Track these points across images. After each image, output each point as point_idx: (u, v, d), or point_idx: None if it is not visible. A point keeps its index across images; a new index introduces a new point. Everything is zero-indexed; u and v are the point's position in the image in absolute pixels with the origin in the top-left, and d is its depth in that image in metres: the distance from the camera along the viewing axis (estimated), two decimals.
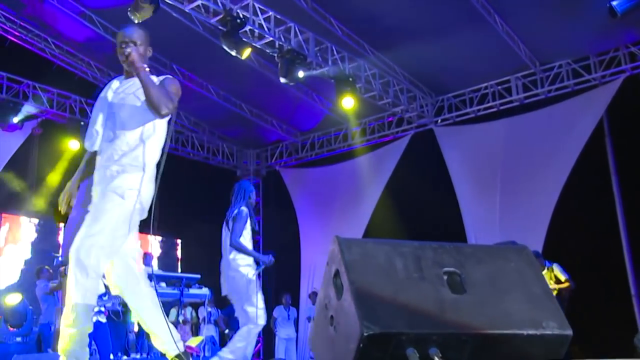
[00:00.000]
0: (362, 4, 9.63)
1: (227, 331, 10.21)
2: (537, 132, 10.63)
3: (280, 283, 12.82)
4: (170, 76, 3.56)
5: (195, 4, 8.54)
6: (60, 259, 9.30)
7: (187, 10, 8.71)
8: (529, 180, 10.45)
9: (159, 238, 13.02)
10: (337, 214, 12.75)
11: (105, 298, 7.77)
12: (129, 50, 3.30)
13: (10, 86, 10.84)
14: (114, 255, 3.23)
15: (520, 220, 10.14)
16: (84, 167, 3.53)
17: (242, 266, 5.37)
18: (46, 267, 9.12)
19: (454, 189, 11.34)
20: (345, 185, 12.86)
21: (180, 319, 10.23)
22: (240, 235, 5.37)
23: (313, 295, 11.00)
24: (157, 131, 3.37)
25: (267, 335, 11.47)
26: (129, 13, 7.54)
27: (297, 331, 11.36)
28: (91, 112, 3.56)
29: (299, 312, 11.88)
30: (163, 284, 8.70)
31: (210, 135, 13.71)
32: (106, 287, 7.74)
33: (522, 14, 9.54)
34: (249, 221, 5.46)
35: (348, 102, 10.12)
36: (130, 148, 3.27)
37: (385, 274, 2.21)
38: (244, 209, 5.47)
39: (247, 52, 8.79)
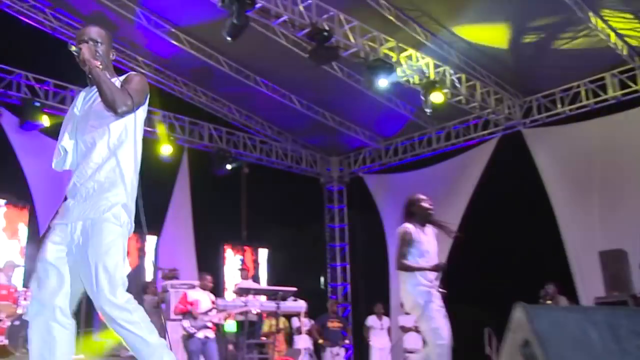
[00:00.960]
0: (446, 9, 9.46)
1: (320, 341, 10.22)
2: (636, 131, 10.09)
3: (370, 291, 12.79)
4: (134, 72, 3.19)
5: (282, 19, 8.60)
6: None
7: (273, 26, 8.78)
8: (630, 181, 9.94)
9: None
10: None
11: (212, 313, 7.94)
12: (80, 46, 2.95)
13: None
14: None
15: (623, 224, 9.65)
16: None
17: (411, 283, 5.00)
18: (150, 282, 9.50)
19: (547, 193, 10.91)
20: (430, 191, 12.39)
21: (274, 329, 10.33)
22: (405, 256, 5.00)
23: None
24: (129, 135, 3.00)
25: (361, 345, 11.43)
26: (224, 34, 7.64)
27: (390, 341, 11.23)
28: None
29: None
30: (262, 298, 8.87)
31: (294, 144, 13.81)
32: (213, 302, 7.91)
33: (616, 7, 9.11)
34: (413, 237, 5.04)
35: (437, 97, 9.89)
36: (103, 159, 2.92)
37: (582, 347, 2.08)
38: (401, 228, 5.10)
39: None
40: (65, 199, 2.97)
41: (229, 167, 12.06)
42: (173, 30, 10.69)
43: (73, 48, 2.92)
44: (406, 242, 4.99)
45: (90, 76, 2.93)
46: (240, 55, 11.17)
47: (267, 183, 13.11)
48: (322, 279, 14.04)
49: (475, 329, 10.30)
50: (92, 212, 2.83)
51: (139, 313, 2.74)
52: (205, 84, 12.23)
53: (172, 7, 10.37)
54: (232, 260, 12.62)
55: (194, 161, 12.32)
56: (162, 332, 2.87)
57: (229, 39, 7.67)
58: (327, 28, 8.67)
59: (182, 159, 12.23)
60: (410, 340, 10.32)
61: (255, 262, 13.20)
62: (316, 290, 13.59)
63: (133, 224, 2.91)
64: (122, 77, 3.06)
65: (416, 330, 10.44)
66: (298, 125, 13.32)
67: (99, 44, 3.07)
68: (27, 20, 10.46)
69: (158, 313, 9.41)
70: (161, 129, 11.73)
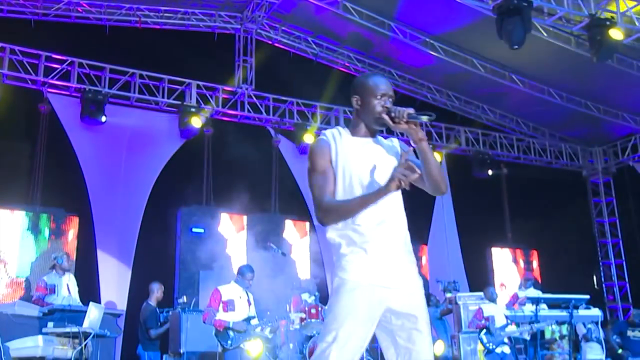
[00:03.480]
0: None
1: (620, 351, 9.54)
2: None
3: None
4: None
5: (557, 16, 8.15)
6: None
7: (548, 25, 8.36)
8: None
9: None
10: None
11: (508, 329, 7.82)
12: (409, 112, 2.61)
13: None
14: None
15: None
16: None
17: None
18: (432, 296, 9.62)
19: None
20: None
21: (557, 335, 9.87)
22: None
23: None
24: None
25: None
26: (510, 45, 7.42)
27: None
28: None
29: None
30: (544, 306, 8.49)
31: (552, 138, 13.12)
32: (507, 317, 7.78)
33: None
34: None
35: None
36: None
37: None
38: None
39: (618, 34, 8.02)
40: None
41: (490, 172, 11.85)
42: (428, 39, 10.73)
43: (425, 118, 2.62)
44: None
45: (419, 144, 2.63)
46: (495, 56, 10.89)
47: (528, 181, 12.63)
48: (595, 279, 13.13)
49: None
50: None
51: None
52: (458, 89, 12.13)
53: (426, 17, 10.41)
54: (500, 264, 12.33)
55: (452, 166, 12.25)
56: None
57: (515, 47, 7.41)
58: (607, 17, 8.01)
59: (442, 166, 12.23)
60: None
61: (527, 264, 12.75)
62: (590, 290, 12.74)
63: None
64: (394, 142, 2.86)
65: None
66: (555, 119, 12.63)
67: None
68: (293, 51, 11.25)
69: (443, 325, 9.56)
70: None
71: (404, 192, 2.78)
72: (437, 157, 2.70)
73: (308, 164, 2.76)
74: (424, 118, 2.59)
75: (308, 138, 10.87)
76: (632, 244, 12.87)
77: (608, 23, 7.93)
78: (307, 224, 11.02)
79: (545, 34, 9.68)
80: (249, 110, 10.83)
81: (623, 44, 8.75)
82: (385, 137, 2.87)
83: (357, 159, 2.71)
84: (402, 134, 2.71)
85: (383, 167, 2.71)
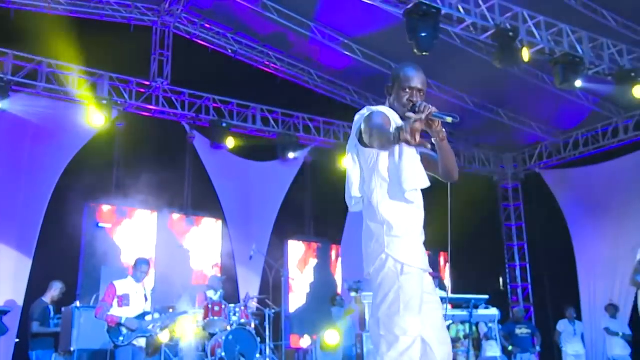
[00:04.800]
0: None
1: (510, 348, 9.91)
2: None
3: (557, 294, 12.20)
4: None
5: (465, 24, 8.41)
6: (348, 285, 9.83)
7: (456, 32, 8.62)
8: None
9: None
10: (616, 215, 11.73)
11: None
12: (432, 110, 2.57)
13: (284, 120, 11.70)
14: None
15: None
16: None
17: None
18: (338, 296, 9.74)
19: None
20: (621, 185, 11.78)
21: (461, 334, 10.18)
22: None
23: (611, 308, 10.22)
24: None
25: (549, 350, 10.94)
26: (417, 51, 7.58)
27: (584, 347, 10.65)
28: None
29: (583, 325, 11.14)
30: (449, 306, 8.77)
31: (465, 143, 13.52)
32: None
33: None
34: None
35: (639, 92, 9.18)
36: None
37: None
38: None
39: (526, 55, 8.38)
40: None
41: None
42: (346, 41, 10.85)
43: (449, 119, 2.60)
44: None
45: (440, 143, 2.77)
46: (411, 60, 11.07)
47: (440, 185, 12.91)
48: (501, 280, 13.62)
49: None
50: None
51: None
52: (377, 92, 12.30)
53: (345, 19, 10.52)
54: None
55: None
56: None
57: (424, 53, 7.59)
58: (511, 28, 8.33)
59: None
60: (616, 346, 9.69)
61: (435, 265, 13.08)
62: (496, 291, 13.20)
63: None
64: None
65: (623, 336, 9.82)
66: (469, 125, 13.00)
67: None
68: (212, 47, 11.13)
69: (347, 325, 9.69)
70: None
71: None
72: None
73: (366, 127, 2.72)
74: (448, 119, 2.60)
75: (225, 137, 10.83)
76: (535, 248, 13.44)
77: (511, 34, 8.22)
78: (220, 221, 10.95)
79: (459, 41, 10.00)
80: (163, 105, 10.64)
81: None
82: None
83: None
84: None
85: (418, 158, 2.88)
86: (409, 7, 7.70)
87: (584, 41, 9.06)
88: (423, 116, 2.47)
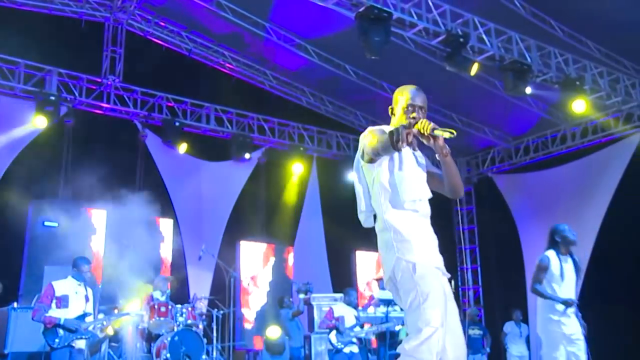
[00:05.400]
0: (582, 1, 8.99)
1: None
2: None
3: (504, 296, 12.42)
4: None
5: (417, 29, 8.50)
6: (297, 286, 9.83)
7: (409, 36, 8.71)
8: None
9: None
10: (562, 220, 11.90)
11: (356, 329, 8.04)
12: (434, 126, 2.77)
13: (238, 120, 11.63)
14: None
15: None
16: None
17: (544, 311, 5.32)
18: (286, 297, 9.74)
19: None
20: (568, 190, 12.07)
21: None
22: (540, 282, 5.31)
23: None
24: None
25: (496, 351, 11.14)
26: (367, 54, 7.63)
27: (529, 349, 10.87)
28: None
29: (529, 328, 11.36)
30: (398, 307, 8.85)
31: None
32: (357, 318, 8.00)
33: None
34: (551, 266, 5.29)
35: (579, 106, 9.46)
36: None
37: None
38: (545, 255, 5.38)
39: (474, 69, 8.55)
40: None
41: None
42: (302, 43, 10.86)
43: (447, 135, 2.77)
44: (542, 268, 5.30)
45: (443, 158, 2.95)
46: (367, 63, 11.16)
47: None
48: (452, 283, 13.78)
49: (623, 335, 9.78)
50: None
51: None
52: (331, 93, 12.35)
53: (300, 21, 10.52)
54: (364, 267, 12.66)
55: (322, 170, 12.47)
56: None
57: (373, 57, 7.65)
58: (461, 34, 8.46)
59: (312, 169, 12.41)
60: None
61: None
62: None
63: None
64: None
65: None
66: None
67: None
68: (166, 45, 11.00)
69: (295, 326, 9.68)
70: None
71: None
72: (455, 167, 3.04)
73: (364, 142, 2.96)
74: (446, 135, 2.75)
75: (178, 136, 10.73)
76: (486, 251, 13.67)
77: (462, 40, 8.35)
78: (172, 221, 10.83)
79: (413, 46, 10.11)
80: (114, 102, 10.48)
81: (478, 61, 9.26)
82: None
83: (405, 155, 2.99)
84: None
85: (420, 170, 3.05)
86: (360, 10, 7.73)
87: (532, 49, 9.26)
88: (415, 131, 2.72)
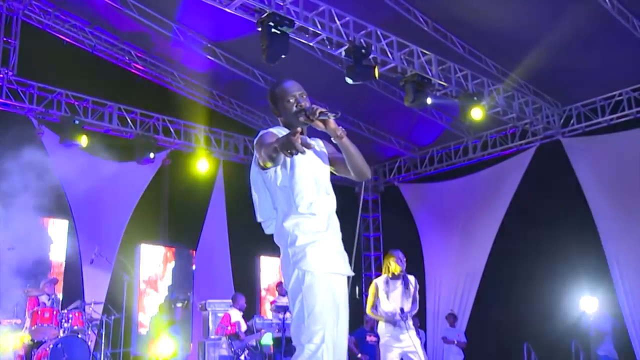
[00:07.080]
0: (482, 20, 9.35)
1: (359, 356, 10.17)
2: None
3: None
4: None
5: (320, 38, 8.57)
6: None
7: (312, 45, 8.77)
8: None
9: None
10: (461, 229, 12.45)
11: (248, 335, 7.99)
12: (320, 110, 2.79)
13: (142, 121, 11.35)
14: None
15: None
16: None
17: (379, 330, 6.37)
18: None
19: (588, 205, 10.73)
20: (467, 200, 12.53)
21: None
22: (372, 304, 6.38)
23: (451, 317, 10.76)
24: None
25: None
26: (265, 60, 7.63)
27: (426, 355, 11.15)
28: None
29: (426, 334, 11.68)
30: None
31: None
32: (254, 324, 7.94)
33: None
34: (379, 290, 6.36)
35: (477, 114, 9.84)
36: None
37: None
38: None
39: (376, 72, 8.69)
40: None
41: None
42: (209, 45, 10.74)
43: (332, 116, 2.81)
44: (373, 294, 6.51)
45: (338, 141, 2.91)
46: (274, 68, 11.16)
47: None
48: (357, 289, 13.98)
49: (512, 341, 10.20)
50: None
51: None
52: (240, 97, 12.27)
53: (208, 23, 10.40)
54: (268, 273, 12.62)
55: (229, 173, 12.37)
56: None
57: (272, 64, 7.65)
58: (364, 45, 8.60)
59: (218, 172, 12.27)
60: (450, 354, 10.25)
61: None
62: (351, 300, 13.52)
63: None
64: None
65: (457, 344, 10.38)
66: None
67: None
68: (67, 40, 10.61)
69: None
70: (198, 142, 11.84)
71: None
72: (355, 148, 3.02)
73: (257, 149, 2.82)
74: (331, 116, 2.78)
75: (77, 134, 10.33)
76: None
77: (364, 51, 8.49)
78: (67, 222, 10.44)
79: (320, 54, 10.19)
80: (7, 97, 10.00)
81: (381, 72, 9.45)
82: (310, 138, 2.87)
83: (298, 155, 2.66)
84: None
85: (318, 163, 3.02)
86: (262, 16, 7.72)
87: (433, 63, 9.53)
88: (299, 130, 2.51)
